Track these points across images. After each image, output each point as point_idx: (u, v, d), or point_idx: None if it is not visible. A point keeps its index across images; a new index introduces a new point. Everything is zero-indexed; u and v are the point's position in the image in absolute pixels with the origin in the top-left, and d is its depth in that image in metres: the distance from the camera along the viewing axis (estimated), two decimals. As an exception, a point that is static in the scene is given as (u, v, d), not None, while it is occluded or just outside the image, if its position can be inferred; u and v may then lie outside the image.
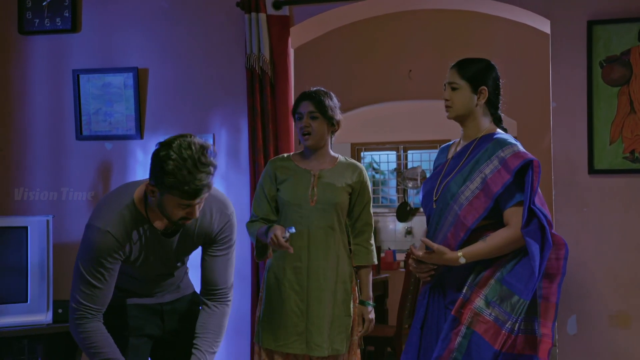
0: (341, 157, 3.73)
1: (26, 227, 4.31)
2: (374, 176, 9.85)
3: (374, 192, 9.81)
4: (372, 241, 3.73)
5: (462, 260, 2.94)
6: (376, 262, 3.76)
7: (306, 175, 3.63)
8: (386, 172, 9.77)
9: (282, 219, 3.65)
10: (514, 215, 2.94)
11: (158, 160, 2.62)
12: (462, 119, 3.12)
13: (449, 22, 6.93)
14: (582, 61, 4.22)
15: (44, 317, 4.30)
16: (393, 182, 9.71)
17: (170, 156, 2.59)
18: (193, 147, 2.62)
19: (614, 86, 4.19)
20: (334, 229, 3.60)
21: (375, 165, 9.83)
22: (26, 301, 4.27)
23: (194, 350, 2.94)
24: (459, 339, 2.91)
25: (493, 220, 2.99)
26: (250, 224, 3.70)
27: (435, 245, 2.96)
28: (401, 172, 9.38)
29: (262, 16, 4.51)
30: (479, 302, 2.91)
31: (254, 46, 4.52)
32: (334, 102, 3.65)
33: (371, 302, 3.70)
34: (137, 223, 2.79)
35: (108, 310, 2.87)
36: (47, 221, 4.35)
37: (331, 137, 3.71)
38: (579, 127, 4.22)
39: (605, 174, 4.18)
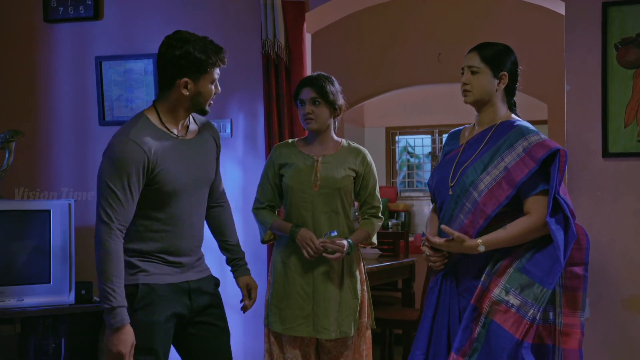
0: (344, 142, 3.74)
1: (49, 211, 4.42)
2: (408, 160, 9.84)
3: (409, 175, 9.79)
4: (379, 222, 3.76)
5: (482, 249, 2.90)
6: (376, 243, 3.78)
7: (309, 161, 3.66)
8: (421, 156, 9.74)
9: (287, 203, 3.71)
10: (536, 204, 2.90)
11: (184, 51, 2.89)
12: (480, 104, 3.06)
13: (478, 6, 6.88)
14: (597, 43, 4.17)
15: (67, 298, 4.40)
16: (428, 166, 9.68)
17: (187, 41, 2.92)
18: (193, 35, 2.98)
19: (629, 68, 4.13)
20: (337, 213, 3.64)
21: (410, 149, 9.80)
22: (49, 282, 4.38)
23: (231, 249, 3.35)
24: (478, 328, 2.89)
25: (511, 208, 2.96)
26: (256, 210, 3.75)
27: (455, 233, 2.92)
28: (436, 155, 9.35)
29: (278, 1, 4.54)
30: (497, 291, 2.89)
31: (270, 32, 4.56)
32: (335, 87, 3.66)
33: (351, 241, 3.62)
34: (155, 130, 2.94)
35: (140, 291, 2.95)
36: (69, 205, 4.46)
37: (334, 122, 3.73)
38: (594, 110, 4.18)
39: (620, 157, 4.13)
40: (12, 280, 4.35)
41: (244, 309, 3.37)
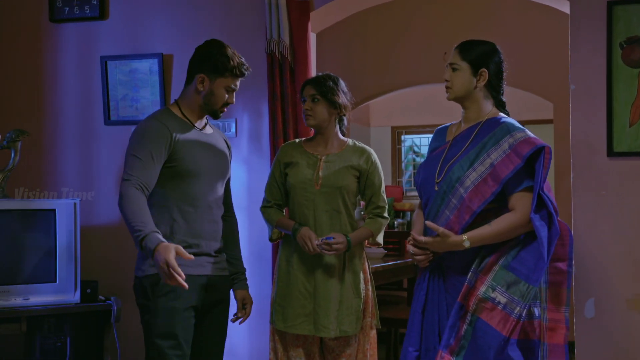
0: (350, 142, 3.77)
1: (54, 210, 4.44)
2: (414, 159, 9.83)
3: (415, 175, 9.79)
4: (385, 222, 3.76)
5: (467, 244, 2.95)
6: (381, 243, 3.78)
7: (312, 159, 3.69)
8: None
9: (291, 202, 3.73)
10: (520, 201, 2.95)
11: (208, 51, 3.18)
12: (461, 100, 3.13)
13: (483, 5, 6.87)
14: (602, 42, 4.15)
15: (72, 297, 4.42)
16: (434, 166, 9.66)
17: (215, 45, 3.23)
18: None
19: (634, 67, 4.10)
20: (339, 211, 3.65)
21: (415, 149, 9.79)
22: (55, 281, 4.40)
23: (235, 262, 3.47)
24: (465, 326, 2.93)
25: (496, 204, 3.00)
26: (264, 209, 3.80)
27: (440, 229, 2.96)
28: (442, 155, 9.33)
29: (282, 1, 4.54)
30: (483, 288, 2.92)
31: (274, 31, 4.56)
32: (338, 87, 3.68)
33: (349, 238, 3.62)
34: (178, 119, 3.20)
35: (164, 285, 3.03)
36: (75, 204, 4.48)
37: (339, 122, 3.74)
38: (598, 109, 4.16)
39: (625, 157, 4.11)
40: (18, 279, 4.37)
41: (237, 320, 3.46)
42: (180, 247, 2.91)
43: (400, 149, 9.67)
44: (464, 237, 2.95)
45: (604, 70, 4.14)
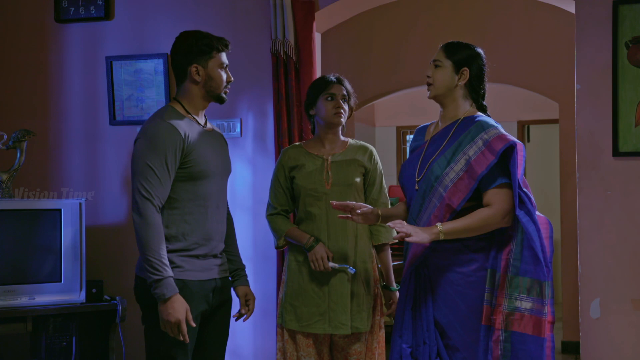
0: (351, 141, 3.80)
1: (60, 210, 4.45)
2: (419, 159, 9.83)
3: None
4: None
5: (442, 236, 2.96)
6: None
7: (319, 161, 3.70)
8: (432, 155, 9.74)
9: (300, 204, 3.72)
10: (496, 196, 2.99)
11: (187, 43, 3.16)
12: (441, 98, 3.17)
13: (488, 5, 6.87)
14: (607, 42, 4.15)
15: (77, 297, 4.44)
16: (439, 166, 9.66)
17: (189, 35, 3.21)
18: None
19: (639, 67, 4.11)
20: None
21: (420, 149, 9.80)
22: (60, 281, 4.42)
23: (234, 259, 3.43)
24: (501, 344, 2.94)
25: (476, 202, 3.04)
26: (270, 217, 3.77)
27: (409, 229, 2.94)
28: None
29: (287, 1, 4.54)
30: (506, 302, 2.95)
31: (279, 31, 4.56)
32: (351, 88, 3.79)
33: (395, 286, 3.75)
34: (183, 118, 3.14)
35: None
36: (80, 204, 4.49)
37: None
38: (604, 109, 4.16)
39: (630, 157, 4.11)
40: (24, 279, 4.38)
41: (241, 317, 3.43)
42: (189, 312, 2.97)
43: (405, 149, 9.67)
44: (439, 227, 2.96)
45: (610, 70, 4.14)
